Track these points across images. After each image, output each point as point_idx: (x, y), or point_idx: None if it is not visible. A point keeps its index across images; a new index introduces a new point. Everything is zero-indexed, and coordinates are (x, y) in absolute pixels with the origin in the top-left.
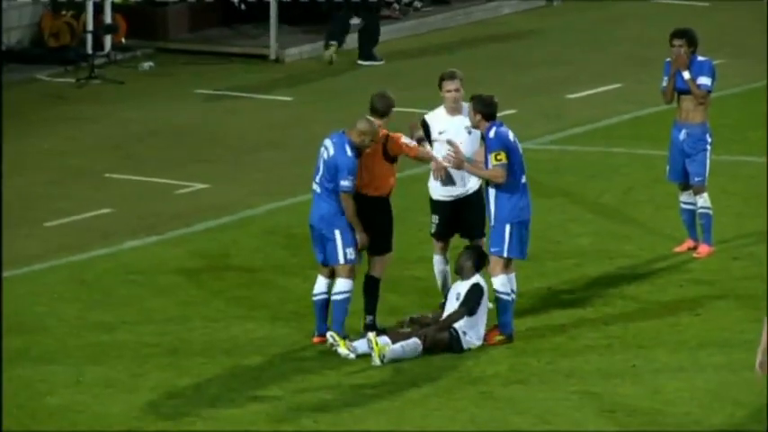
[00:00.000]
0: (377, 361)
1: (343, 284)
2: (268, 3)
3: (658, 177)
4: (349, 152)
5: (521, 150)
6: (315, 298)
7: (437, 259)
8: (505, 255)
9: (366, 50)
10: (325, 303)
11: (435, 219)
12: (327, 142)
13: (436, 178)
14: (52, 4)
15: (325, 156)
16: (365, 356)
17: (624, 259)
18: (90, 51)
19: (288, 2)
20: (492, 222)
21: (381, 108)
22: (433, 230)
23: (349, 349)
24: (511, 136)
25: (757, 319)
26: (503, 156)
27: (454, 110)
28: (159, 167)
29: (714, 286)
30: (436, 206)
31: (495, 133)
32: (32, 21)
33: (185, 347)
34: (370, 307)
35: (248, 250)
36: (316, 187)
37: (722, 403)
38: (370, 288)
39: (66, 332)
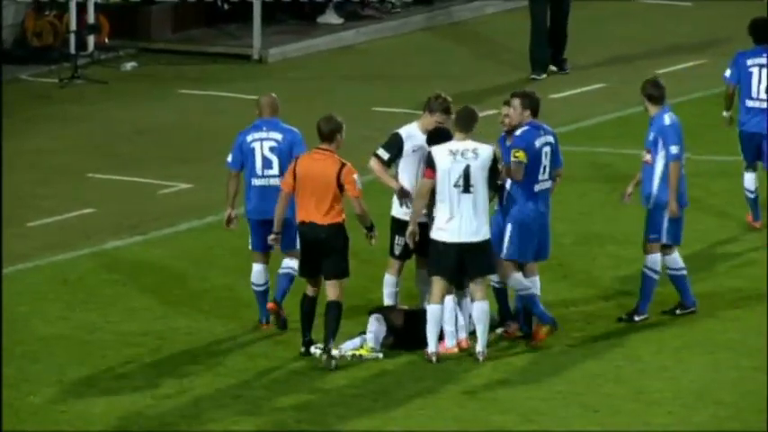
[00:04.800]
0: (377, 355)
1: (296, 263)
2: (251, 3)
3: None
4: (291, 128)
5: (544, 160)
6: (260, 288)
7: (391, 281)
8: (503, 256)
9: (557, 57)
10: (268, 292)
11: (400, 240)
12: (259, 134)
13: (401, 204)
14: (35, 4)
15: (272, 144)
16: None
17: (607, 259)
18: (73, 51)
19: (271, 2)
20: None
21: (326, 131)
22: (396, 252)
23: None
24: (538, 143)
25: (741, 319)
26: (521, 154)
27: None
28: (143, 167)
29: (698, 286)
30: (400, 227)
31: (522, 132)
32: (15, 21)
33: (168, 347)
34: (334, 333)
35: (232, 250)
36: (267, 180)
37: (705, 403)
38: (336, 313)
39: (49, 332)
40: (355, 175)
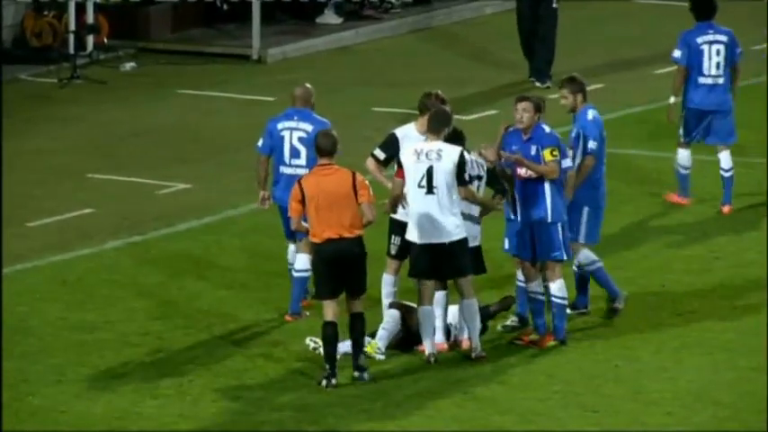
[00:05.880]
0: (380, 356)
1: (307, 261)
2: (250, 3)
3: (640, 178)
4: (323, 120)
5: None
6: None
7: (389, 280)
8: (565, 257)
9: (538, 64)
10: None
11: (396, 240)
12: (290, 123)
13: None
14: (35, 5)
15: (302, 134)
16: (347, 357)
17: (606, 260)
18: (72, 51)
19: (270, 2)
20: (549, 221)
21: (329, 146)
22: (393, 252)
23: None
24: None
25: (740, 319)
26: (557, 152)
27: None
28: (141, 167)
29: (696, 286)
30: (398, 227)
31: (550, 131)
32: (15, 21)
33: (167, 347)
34: (362, 346)
35: (231, 250)
36: (295, 170)
37: (704, 404)
38: (363, 325)
39: (48, 332)
40: (367, 182)
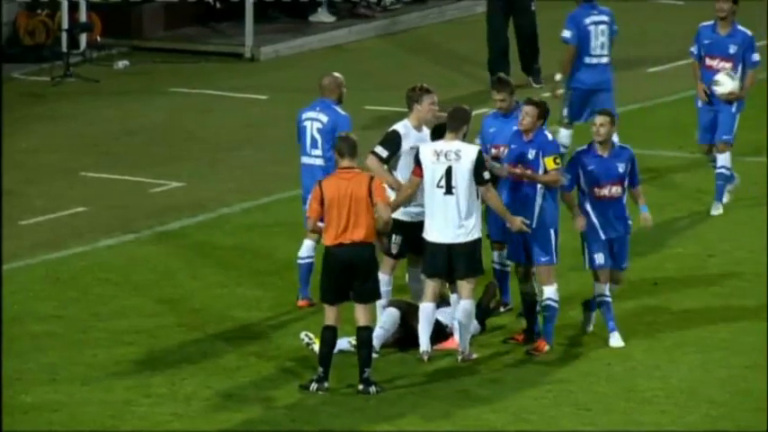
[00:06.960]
0: (374, 355)
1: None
2: (243, 1)
3: None
4: (341, 111)
5: None
6: (302, 261)
7: (384, 279)
8: (555, 262)
9: (528, 64)
10: (311, 267)
11: (397, 239)
12: (311, 114)
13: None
14: (28, 3)
15: (319, 125)
16: (343, 354)
17: None
18: (65, 50)
19: (263, 0)
20: (534, 227)
21: (350, 149)
22: (393, 251)
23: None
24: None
25: (733, 318)
26: (560, 160)
27: (424, 125)
28: (135, 166)
29: (689, 285)
30: (397, 226)
31: (553, 139)
32: (8, 19)
33: (161, 346)
34: (369, 360)
35: (224, 249)
36: (314, 160)
37: (697, 402)
38: (370, 338)
39: (41, 330)
40: (385, 185)
